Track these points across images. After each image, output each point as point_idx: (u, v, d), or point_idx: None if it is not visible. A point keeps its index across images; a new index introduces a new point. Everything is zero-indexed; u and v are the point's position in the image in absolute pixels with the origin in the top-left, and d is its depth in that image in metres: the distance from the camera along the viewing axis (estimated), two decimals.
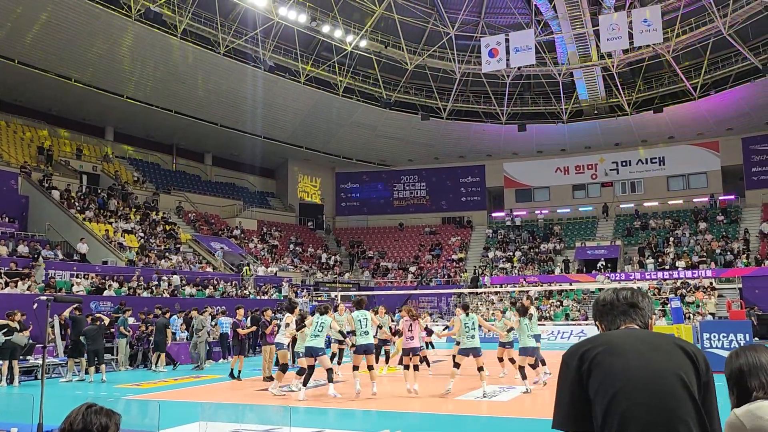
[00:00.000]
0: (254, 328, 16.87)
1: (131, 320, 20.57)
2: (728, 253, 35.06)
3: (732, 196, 40.58)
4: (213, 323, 21.24)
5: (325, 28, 35.95)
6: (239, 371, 16.09)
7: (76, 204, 30.08)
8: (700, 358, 2.26)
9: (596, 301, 2.62)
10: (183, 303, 24.18)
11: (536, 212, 45.24)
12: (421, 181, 48.11)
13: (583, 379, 2.20)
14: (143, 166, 39.80)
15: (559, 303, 34.44)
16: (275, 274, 35.17)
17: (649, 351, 2.22)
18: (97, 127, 37.76)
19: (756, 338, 23.82)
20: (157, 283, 26.08)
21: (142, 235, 31.14)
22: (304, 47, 37.70)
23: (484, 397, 12.16)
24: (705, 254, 35.66)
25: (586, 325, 29.42)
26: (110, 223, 30.10)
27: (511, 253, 41.43)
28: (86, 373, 16.38)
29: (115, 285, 24.09)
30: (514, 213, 45.33)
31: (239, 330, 16.92)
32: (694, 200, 41.32)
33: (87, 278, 23.81)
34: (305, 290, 34.15)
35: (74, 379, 16.26)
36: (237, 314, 17.47)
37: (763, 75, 33.95)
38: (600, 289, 34.55)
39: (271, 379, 15.58)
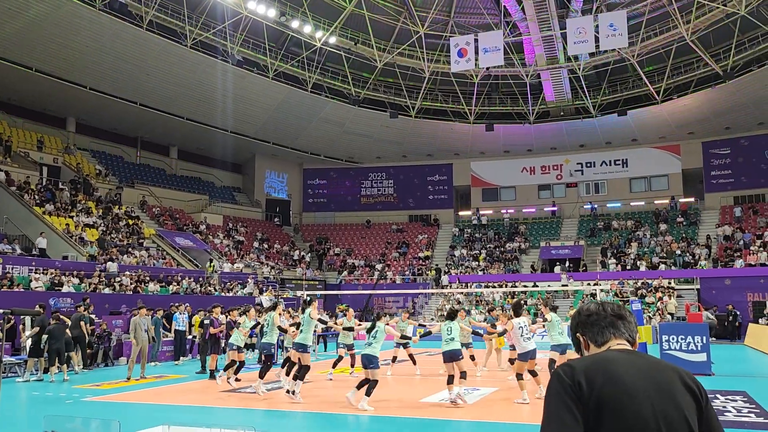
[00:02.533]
0: (223, 327, 16.72)
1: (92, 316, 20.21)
2: (687, 254, 35.92)
3: (692, 199, 41.56)
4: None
5: (295, 24, 35.69)
6: (211, 370, 16.08)
7: (36, 197, 29.36)
8: (703, 393, 2.18)
9: (579, 312, 2.47)
10: (146, 300, 23.78)
11: (502, 211, 45.69)
12: (389, 179, 48.17)
13: (586, 411, 2.03)
14: (106, 159, 39.00)
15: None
16: (241, 270, 34.86)
17: (656, 393, 2.07)
18: (58, 118, 36.84)
19: (713, 338, 24.55)
20: (119, 279, 25.61)
21: (104, 229, 30.53)
22: (273, 42, 37.36)
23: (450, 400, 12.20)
24: (665, 255, 36.47)
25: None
26: (71, 217, 29.45)
27: (477, 252, 41.79)
28: (45, 372, 16.02)
29: (75, 281, 23.59)
30: (481, 212, 45.71)
31: (212, 329, 16.74)
32: (656, 202, 42.20)
33: (46, 273, 23.26)
34: (271, 287, 33.91)
35: (32, 379, 15.88)
36: (213, 312, 17.23)
37: (723, 81, 34.81)
38: (564, 288, 35.12)
39: (237, 380, 15.51)
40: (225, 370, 15.14)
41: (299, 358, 12.77)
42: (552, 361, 13.16)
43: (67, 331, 16.66)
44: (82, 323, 17.71)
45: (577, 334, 2.43)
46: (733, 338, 29.00)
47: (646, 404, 2.03)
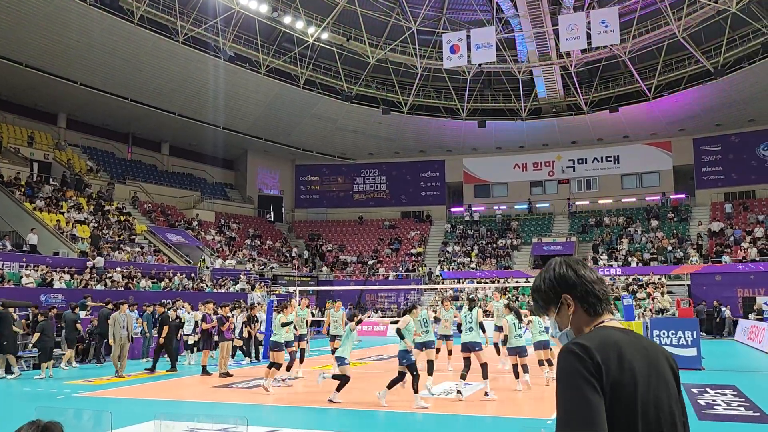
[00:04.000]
0: (215, 323, 16.69)
1: (81, 314, 20.12)
2: (678, 250, 36.12)
3: (683, 195, 41.77)
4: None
5: (287, 19, 35.60)
6: (203, 366, 16.10)
7: (20, 193, 29.16)
8: (678, 373, 2.15)
9: (576, 272, 2.16)
10: (138, 296, 23.72)
11: (494, 208, 45.77)
12: (381, 175, 48.16)
13: (603, 395, 1.89)
14: (97, 155, 38.81)
15: (515, 298, 34.90)
16: (233, 266, 34.80)
17: (655, 378, 2.01)
18: (49, 113, 36.61)
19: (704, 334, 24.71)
20: (110, 275, 25.50)
21: (95, 225, 30.38)
22: (265, 38, 37.25)
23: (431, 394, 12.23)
24: (656, 251, 36.66)
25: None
26: (62, 214, 29.29)
27: (469, 248, 41.86)
28: (36, 368, 15.96)
29: (66, 277, 23.48)
30: (473, 208, 45.78)
31: (204, 324, 16.70)
32: (647, 198, 42.39)
33: (37, 270, 23.15)
34: (263, 283, 33.88)
35: (8, 377, 15.70)
36: (205, 308, 17.15)
37: (714, 78, 34.98)
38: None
39: (227, 375, 15.52)
40: (268, 374, 13.45)
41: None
42: (540, 362, 13.53)
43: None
44: (78, 325, 17.69)
45: (565, 296, 2.15)
46: (719, 334, 28.98)
47: (646, 389, 1.97)
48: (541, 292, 2.23)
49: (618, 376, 1.90)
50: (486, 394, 11.74)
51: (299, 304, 17.23)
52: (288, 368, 14.31)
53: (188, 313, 19.46)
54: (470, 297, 13.95)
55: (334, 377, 11.80)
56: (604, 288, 2.17)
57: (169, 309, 18.55)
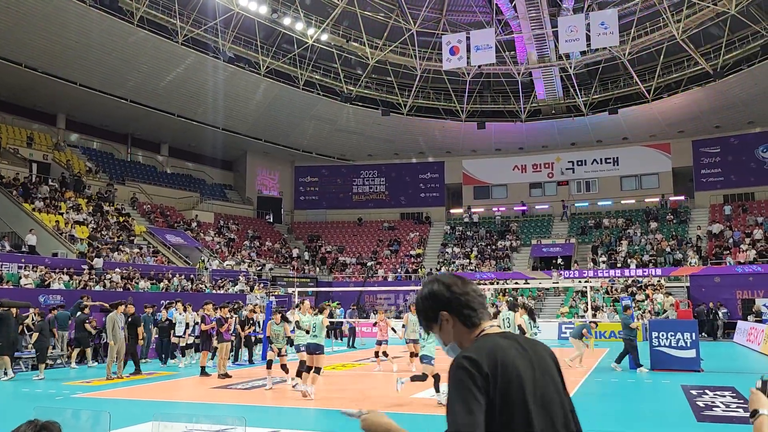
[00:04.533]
0: (214, 324, 16.67)
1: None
2: (677, 252, 36.12)
3: (682, 197, 41.79)
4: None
5: (286, 21, 35.61)
6: (202, 366, 16.08)
7: (15, 192, 29.11)
8: (558, 364, 2.29)
9: (449, 287, 2.25)
10: (136, 297, 23.67)
11: (493, 209, 45.77)
12: (381, 177, 48.16)
13: (491, 402, 2.02)
14: (96, 156, 38.79)
15: (508, 298, 34.90)
16: (232, 267, 34.77)
17: (540, 375, 2.14)
18: (48, 114, 36.58)
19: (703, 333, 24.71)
20: (109, 276, 25.47)
21: (94, 226, 30.35)
22: (265, 39, 37.27)
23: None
24: (655, 253, 36.66)
25: (543, 321, 29.86)
26: (61, 214, 29.26)
27: (469, 250, 41.85)
28: (34, 369, 15.93)
29: (65, 278, 23.45)
30: (472, 210, 45.78)
31: (203, 325, 16.67)
32: (646, 200, 42.41)
33: (36, 270, 23.12)
34: (262, 285, 33.86)
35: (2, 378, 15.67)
36: (204, 309, 17.09)
37: (713, 80, 35.00)
38: (555, 285, 35.23)
39: (226, 376, 15.50)
40: (298, 375, 13.26)
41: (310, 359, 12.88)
42: None
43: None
44: (86, 325, 17.70)
45: (442, 312, 2.24)
46: (714, 337, 28.90)
47: (533, 389, 2.08)
48: (421, 312, 2.32)
49: (506, 382, 2.03)
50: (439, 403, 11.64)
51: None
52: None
53: (180, 314, 19.13)
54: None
55: (413, 378, 11.83)
56: (479, 297, 2.27)
57: (153, 310, 18.49)
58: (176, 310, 19.28)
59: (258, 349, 20.30)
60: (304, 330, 13.12)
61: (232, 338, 18.23)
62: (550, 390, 2.14)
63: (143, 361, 19.04)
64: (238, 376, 16.04)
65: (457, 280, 2.28)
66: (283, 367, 14.04)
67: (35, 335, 15.90)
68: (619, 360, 16.83)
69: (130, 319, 16.55)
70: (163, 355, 19.48)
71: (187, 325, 19.01)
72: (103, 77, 33.21)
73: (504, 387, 2.02)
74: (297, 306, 16.60)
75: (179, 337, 18.97)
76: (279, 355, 14.02)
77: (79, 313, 18.27)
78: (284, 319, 14.38)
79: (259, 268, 37.53)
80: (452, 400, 2.01)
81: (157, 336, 19.80)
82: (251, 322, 19.56)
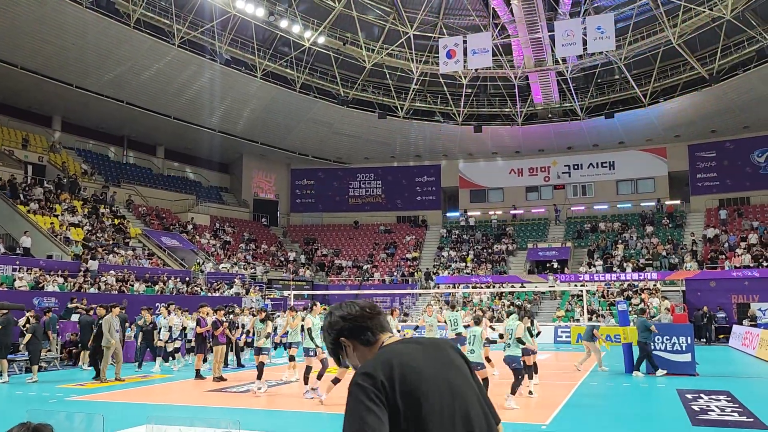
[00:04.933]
0: (209, 327, 16.57)
1: (74, 317, 20.02)
2: (673, 256, 36.17)
3: (678, 201, 41.87)
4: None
5: (283, 23, 35.61)
6: (197, 370, 15.98)
7: (21, 195, 29.03)
8: (467, 358, 2.43)
9: (343, 318, 2.41)
10: (131, 300, 23.61)
11: (490, 213, 45.78)
12: (377, 180, 48.15)
13: (394, 409, 2.09)
14: (92, 158, 38.68)
15: (510, 303, 34.89)
16: (228, 270, 34.69)
17: (442, 368, 2.25)
18: (44, 116, 36.48)
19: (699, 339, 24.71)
20: (104, 278, 25.38)
21: (89, 228, 30.25)
22: (262, 42, 37.26)
23: None
24: (651, 257, 36.70)
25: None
26: (56, 216, 29.16)
27: (465, 253, 41.84)
28: (27, 372, 15.85)
29: (60, 280, 23.36)
30: (468, 213, 45.79)
31: (198, 328, 16.59)
32: (642, 204, 42.48)
33: (30, 273, 23.03)
34: (258, 287, 33.78)
35: None
36: (200, 312, 16.94)
37: (709, 85, 35.10)
38: (552, 289, 35.21)
39: (221, 379, 15.45)
40: (305, 381, 12.96)
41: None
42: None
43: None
44: (94, 327, 17.56)
45: (341, 339, 2.40)
46: (708, 341, 28.90)
47: (438, 386, 2.17)
48: (328, 343, 2.47)
49: (407, 385, 2.11)
50: None
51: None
52: (319, 376, 13.00)
53: (164, 318, 18.55)
54: (476, 315, 13.50)
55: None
56: (373, 315, 2.43)
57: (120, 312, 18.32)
58: (161, 315, 18.88)
59: (249, 353, 20.21)
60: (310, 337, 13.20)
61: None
62: (459, 381, 2.25)
63: (135, 363, 18.89)
64: (235, 379, 15.98)
65: (349, 307, 2.45)
66: (260, 365, 13.88)
67: (28, 337, 15.80)
68: (638, 366, 16.45)
69: (99, 322, 16.33)
70: (141, 360, 18.52)
71: (171, 328, 18.48)
72: (99, 79, 33.14)
73: (405, 387, 2.10)
74: (307, 309, 16.47)
75: (163, 341, 18.34)
76: (259, 353, 14.30)
77: (83, 314, 18.19)
78: (267, 317, 14.70)
79: (252, 270, 37.41)
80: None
81: (132, 340, 19.53)
82: (235, 325, 19.49)
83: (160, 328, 18.45)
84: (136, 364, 18.38)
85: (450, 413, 2.14)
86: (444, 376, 2.22)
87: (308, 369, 13.06)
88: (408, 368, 2.16)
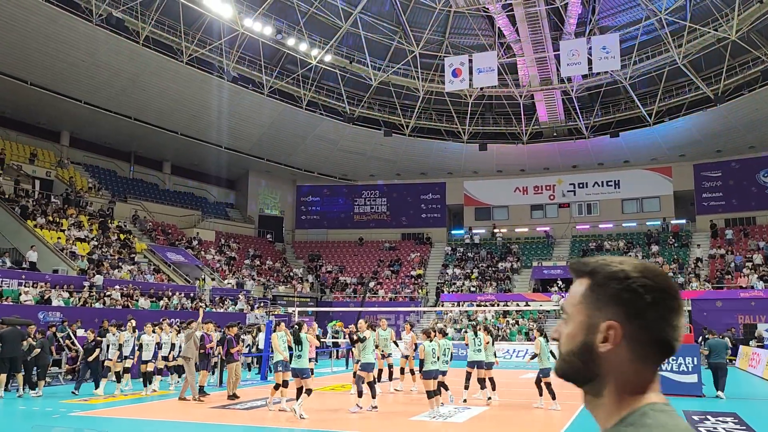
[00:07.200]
0: (213, 344, 16.46)
1: (80, 332, 20.01)
2: (678, 275, 36.02)
3: (683, 221, 41.78)
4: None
5: (290, 42, 35.91)
6: (201, 386, 15.85)
7: (28, 210, 29.16)
8: None
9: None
10: (136, 315, 23.58)
11: (495, 231, 45.74)
12: (382, 197, 48.22)
13: None
14: (99, 173, 38.90)
15: (515, 322, 34.78)
16: (233, 286, 34.69)
17: None
18: (52, 131, 36.78)
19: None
20: (109, 293, 25.42)
21: (95, 243, 30.35)
22: (269, 59, 37.57)
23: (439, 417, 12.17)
24: None
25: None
26: (62, 231, 29.27)
27: (469, 271, 41.76)
28: (34, 387, 15.82)
29: (65, 295, 23.41)
30: (473, 231, 45.77)
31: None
32: (647, 223, 42.40)
33: (36, 287, 23.08)
34: (262, 304, 33.74)
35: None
36: (206, 328, 16.69)
37: (714, 105, 35.18)
38: (556, 308, 35.06)
39: (235, 396, 15.29)
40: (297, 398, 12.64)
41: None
42: (539, 380, 14.11)
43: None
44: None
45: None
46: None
47: None
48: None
49: None
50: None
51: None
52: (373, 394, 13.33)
53: (149, 335, 16.49)
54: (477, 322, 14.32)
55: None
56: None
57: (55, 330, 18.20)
58: (144, 331, 16.75)
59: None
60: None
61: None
62: None
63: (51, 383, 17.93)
64: (251, 394, 15.91)
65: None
66: (284, 383, 13.55)
67: (36, 351, 15.82)
68: (723, 387, 16.18)
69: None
70: (78, 379, 16.66)
71: (158, 345, 16.77)
72: (108, 95, 33.43)
73: None
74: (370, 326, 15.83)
75: (117, 361, 16.47)
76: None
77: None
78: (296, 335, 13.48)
79: (258, 286, 37.40)
80: None
81: (71, 357, 18.78)
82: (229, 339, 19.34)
83: (108, 346, 16.60)
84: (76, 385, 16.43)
85: None
86: None
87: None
88: None
